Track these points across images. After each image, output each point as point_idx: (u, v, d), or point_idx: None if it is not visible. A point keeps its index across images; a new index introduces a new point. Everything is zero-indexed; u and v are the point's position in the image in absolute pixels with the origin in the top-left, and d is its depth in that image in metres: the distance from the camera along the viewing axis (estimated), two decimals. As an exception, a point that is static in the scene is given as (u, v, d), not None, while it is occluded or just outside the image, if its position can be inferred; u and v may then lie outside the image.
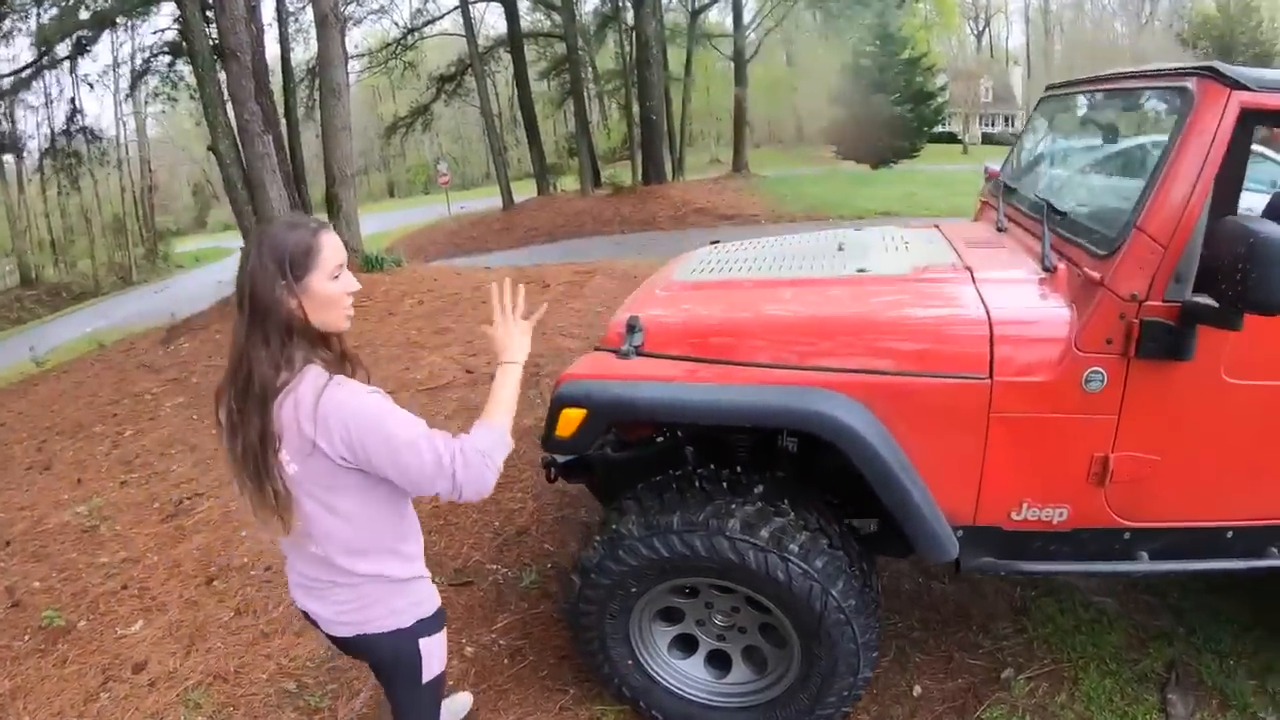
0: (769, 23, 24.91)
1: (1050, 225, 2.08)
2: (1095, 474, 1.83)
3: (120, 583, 3.36)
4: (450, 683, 2.49)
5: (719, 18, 26.54)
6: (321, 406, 1.35)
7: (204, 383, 6.28)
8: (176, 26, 12.90)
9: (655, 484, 2.09)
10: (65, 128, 17.43)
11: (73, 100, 17.03)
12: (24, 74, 15.23)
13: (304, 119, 14.38)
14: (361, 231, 10.60)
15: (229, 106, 8.10)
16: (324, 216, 10.08)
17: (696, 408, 1.84)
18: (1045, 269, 1.97)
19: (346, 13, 11.65)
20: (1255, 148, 3.38)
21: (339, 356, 1.49)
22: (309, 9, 14.23)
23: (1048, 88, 2.89)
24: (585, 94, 23.34)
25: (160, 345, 7.94)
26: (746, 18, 24.35)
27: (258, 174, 7.84)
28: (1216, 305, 1.61)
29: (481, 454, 1.42)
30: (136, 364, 7.46)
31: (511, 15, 21.29)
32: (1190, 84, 1.75)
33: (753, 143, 28.96)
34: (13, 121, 17.92)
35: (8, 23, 13.74)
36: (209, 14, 8.73)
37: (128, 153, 30.04)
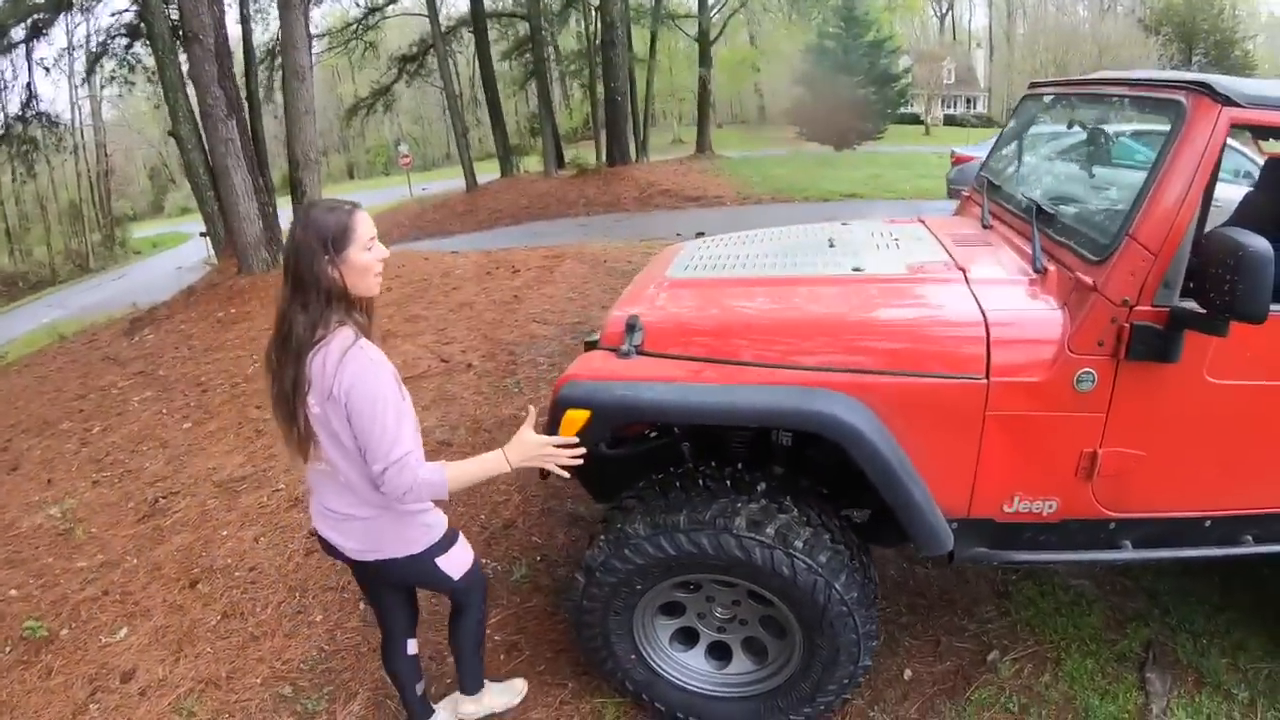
0: (734, 3, 24.82)
1: (1040, 227, 2.13)
2: (1084, 468, 1.91)
3: (101, 588, 3.30)
4: (450, 681, 2.51)
5: None
6: (343, 364, 1.62)
7: (172, 375, 6.13)
8: (135, 8, 12.43)
9: (659, 482, 2.12)
10: (21, 113, 16.69)
11: (28, 85, 16.31)
12: (-22, 58, 14.60)
13: (264, 101, 13.98)
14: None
15: (190, 90, 7.85)
16: (287, 201, 9.90)
17: (703, 409, 1.86)
18: (1036, 270, 2.03)
19: (306, -7, 11.31)
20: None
21: (368, 317, 1.76)
22: (268, -9, 13.86)
23: (1031, 85, 2.94)
24: (548, 74, 23.07)
25: (124, 336, 7.71)
26: None
27: (221, 159, 7.62)
28: (1204, 311, 1.68)
29: (417, 485, 1.67)
30: (100, 357, 7.25)
31: (474, -7, 20.95)
32: (1183, 98, 1.81)
33: (715, 123, 28.84)
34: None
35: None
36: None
37: (83, 137, 28.93)
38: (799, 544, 1.87)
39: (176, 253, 22.68)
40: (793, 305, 2.10)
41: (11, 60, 15.05)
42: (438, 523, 1.93)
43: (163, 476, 4.36)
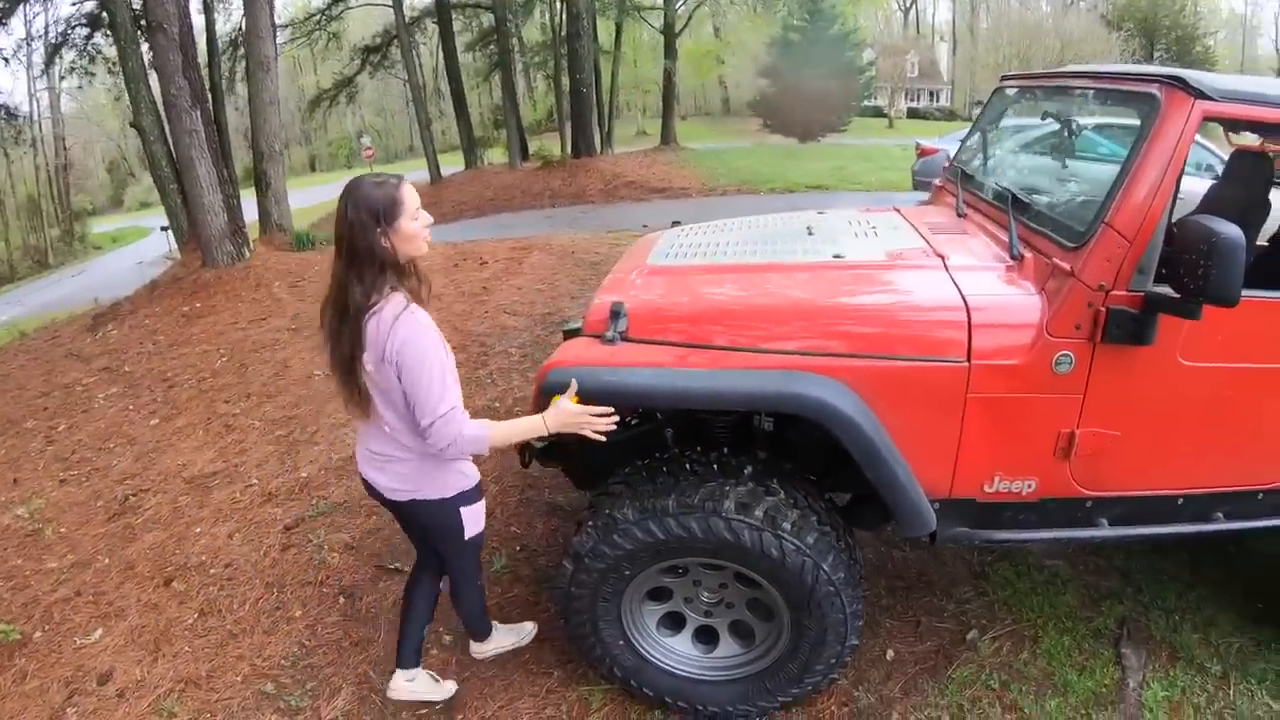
0: None
1: (1015, 216, 2.18)
2: (1061, 448, 1.96)
3: (73, 589, 3.23)
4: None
5: None
6: (395, 327, 1.76)
7: (137, 371, 5.99)
8: None
9: (646, 467, 2.13)
10: (-22, 106, 16.11)
11: (-13, 77, 15.71)
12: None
13: (225, 93, 13.66)
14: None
15: (153, 80, 7.64)
16: (250, 194, 9.73)
17: (690, 393, 1.88)
18: (1013, 257, 2.07)
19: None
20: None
21: (418, 279, 1.90)
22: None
23: (1004, 77, 2.98)
24: (513, 66, 22.88)
25: (87, 333, 7.51)
26: None
27: (185, 150, 7.44)
28: (1177, 296, 1.74)
29: (460, 439, 1.82)
30: (64, 353, 7.05)
31: (441, -15, 20.68)
32: (1157, 91, 1.87)
33: (679, 115, 28.82)
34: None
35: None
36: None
37: (41, 130, 28.05)
38: (787, 525, 1.90)
39: (137, 248, 22.12)
40: (776, 291, 2.12)
41: (-31, 52, 14.49)
42: (472, 473, 2.07)
43: (132, 474, 4.27)
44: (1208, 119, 1.82)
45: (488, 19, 22.48)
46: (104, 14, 10.93)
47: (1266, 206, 2.63)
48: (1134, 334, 1.82)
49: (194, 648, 2.79)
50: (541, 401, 1.96)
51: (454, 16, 21.98)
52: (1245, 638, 2.55)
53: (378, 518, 3.47)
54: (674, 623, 2.31)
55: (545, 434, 1.86)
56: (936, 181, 3.25)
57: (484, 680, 2.52)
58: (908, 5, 57.92)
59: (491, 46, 23.06)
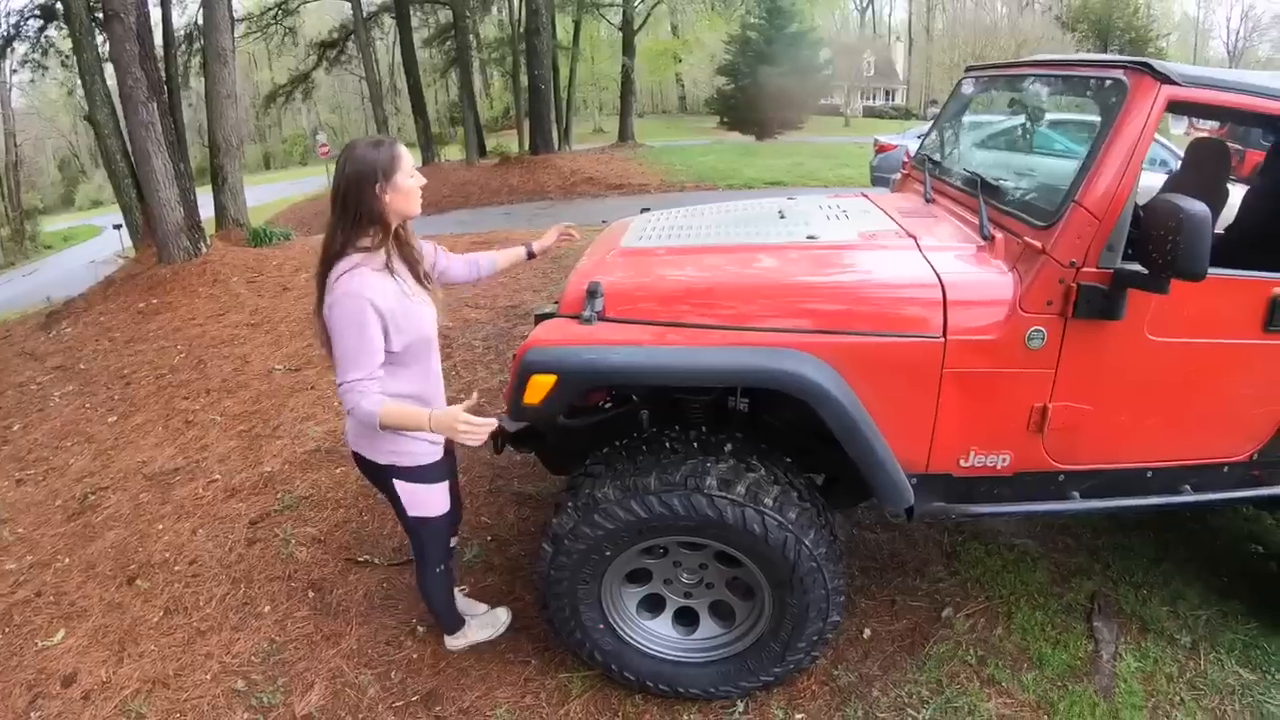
0: None
1: (985, 198, 2.22)
2: (1035, 422, 2.00)
3: (33, 590, 3.12)
4: (410, 659, 2.48)
5: None
6: (338, 282, 1.84)
7: (93, 368, 5.82)
8: None
9: (625, 447, 2.12)
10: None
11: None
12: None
13: (181, 87, 13.31)
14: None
15: (108, 73, 7.41)
16: (207, 190, 9.49)
17: (672, 369, 1.88)
18: (984, 238, 2.10)
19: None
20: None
21: (403, 241, 1.98)
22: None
23: (968, 68, 3.03)
24: (470, 63, 22.68)
25: (40, 331, 7.26)
26: None
27: (141, 144, 7.22)
28: (1146, 272, 1.79)
29: (357, 410, 1.84)
30: (16, 352, 6.80)
31: (400, -21, 20.43)
32: (1124, 76, 1.92)
33: (636, 113, 28.83)
34: None
35: None
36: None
37: (-9, 125, 27.05)
38: (769, 501, 1.91)
39: (89, 246, 21.48)
40: (753, 270, 2.13)
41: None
42: (407, 450, 2.06)
43: (90, 472, 4.14)
44: (1172, 103, 1.88)
45: (446, 15, 22.26)
46: (58, 5, 10.58)
47: (1224, 194, 2.72)
48: (1104, 309, 1.87)
49: (160, 646, 2.70)
50: (521, 381, 1.94)
51: (412, 12, 21.72)
52: (1212, 609, 2.63)
53: (345, 510, 3.42)
54: (653, 605, 2.30)
55: (426, 429, 1.84)
56: (902, 170, 3.30)
57: (460, 670, 2.49)
58: (864, 5, 58.77)
59: (449, 42, 22.82)
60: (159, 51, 8.57)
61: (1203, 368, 2.05)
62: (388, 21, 23.65)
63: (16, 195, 29.15)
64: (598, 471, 2.07)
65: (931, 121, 3.35)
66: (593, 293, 2.02)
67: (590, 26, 26.34)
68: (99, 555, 3.31)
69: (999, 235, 2.08)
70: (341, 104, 48.29)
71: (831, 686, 2.34)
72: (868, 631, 2.55)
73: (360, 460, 2.14)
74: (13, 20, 12.88)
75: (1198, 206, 1.67)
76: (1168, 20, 45.85)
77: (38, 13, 12.35)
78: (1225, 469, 2.20)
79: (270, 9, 21.83)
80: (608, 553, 2.04)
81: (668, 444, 2.07)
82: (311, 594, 2.90)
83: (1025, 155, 2.59)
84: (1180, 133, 9.81)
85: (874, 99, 49.52)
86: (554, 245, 2.67)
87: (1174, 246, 1.68)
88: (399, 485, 2.11)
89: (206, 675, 2.55)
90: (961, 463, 2.05)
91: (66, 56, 11.90)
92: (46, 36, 12.71)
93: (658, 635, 2.27)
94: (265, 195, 22.72)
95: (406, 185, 1.89)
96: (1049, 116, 2.78)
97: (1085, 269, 1.87)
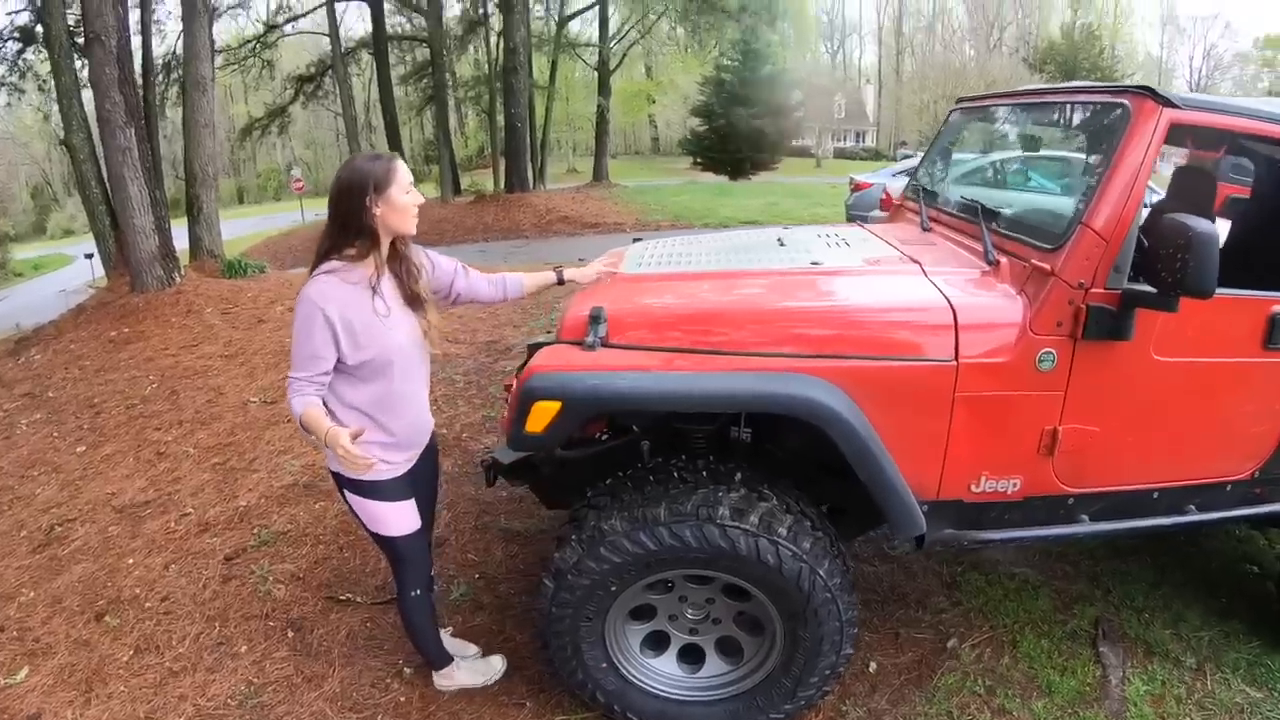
0: (633, 34, 25.02)
1: (987, 224, 2.22)
2: (1045, 445, 1.99)
3: (-6, 625, 2.94)
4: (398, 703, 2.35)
5: (580, 27, 26.56)
6: (305, 284, 1.87)
7: (61, 397, 5.62)
8: (31, 9, 11.46)
9: (631, 478, 2.06)
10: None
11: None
12: None
13: (158, 116, 13.19)
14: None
15: (86, 97, 7.31)
16: (181, 222, 9.35)
17: (681, 395, 1.83)
18: (989, 263, 2.10)
19: (212, 3, 10.78)
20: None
21: (398, 257, 2.00)
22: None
23: (958, 100, 3.08)
24: (447, 100, 22.80)
25: (9, 357, 7.01)
26: (613, 28, 24.52)
27: (117, 169, 7.08)
28: (1154, 291, 1.80)
29: (290, 406, 1.89)
30: (-18, 379, 6.58)
31: (377, 17, 20.46)
32: (1127, 101, 1.96)
33: (609, 153, 29.14)
34: None
35: None
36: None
37: (-38, 152, 26.51)
38: (782, 531, 1.85)
39: (59, 275, 21.05)
40: (760, 295, 2.10)
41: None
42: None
43: (57, 503, 3.97)
44: (1174, 125, 1.90)
45: (423, 52, 22.37)
46: (38, 28, 10.43)
47: (1213, 219, 2.77)
48: (1113, 330, 1.87)
49: (130, 687, 2.55)
50: (523, 407, 1.88)
51: (390, 48, 21.82)
52: (1214, 630, 2.63)
53: (325, 546, 3.29)
54: (657, 642, 2.22)
55: (323, 443, 1.83)
56: (895, 201, 3.32)
57: (451, 714, 2.37)
58: (835, 48, 60.44)
59: (426, 80, 22.93)
60: (138, 78, 8.48)
61: (1206, 387, 2.06)
62: (365, 57, 23.72)
63: (-12, 221, 28.54)
64: (602, 503, 2.01)
65: (902, 159, 3.40)
66: (596, 318, 1.96)
67: (566, 66, 26.63)
68: (66, 589, 3.15)
69: (1003, 259, 2.08)
70: (316, 140, 48.29)
71: (841, 723, 2.27)
72: (873, 665, 2.48)
73: (331, 473, 2.12)
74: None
75: (1205, 225, 1.70)
76: (1132, 60, 47.53)
77: (16, 35, 12.17)
78: (1228, 488, 2.21)
79: (249, 41, 21.81)
80: (613, 588, 1.96)
81: (676, 473, 2.01)
82: (291, 634, 2.77)
83: (1024, 180, 2.62)
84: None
85: (844, 140, 50.59)
86: (594, 280, 2.38)
87: (1183, 265, 1.70)
88: (350, 498, 2.08)
89: (180, 718, 2.41)
90: (972, 488, 2.02)
91: (44, 80, 11.69)
92: (24, 60, 12.52)
93: (662, 674, 2.18)
94: (238, 229, 22.44)
95: (400, 201, 1.88)
96: (1053, 134, 2.81)
97: (1094, 290, 1.88)
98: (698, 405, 1.85)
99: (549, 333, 3.77)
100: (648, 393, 1.84)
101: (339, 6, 21.32)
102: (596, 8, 23.59)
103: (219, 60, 21.06)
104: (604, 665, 2.11)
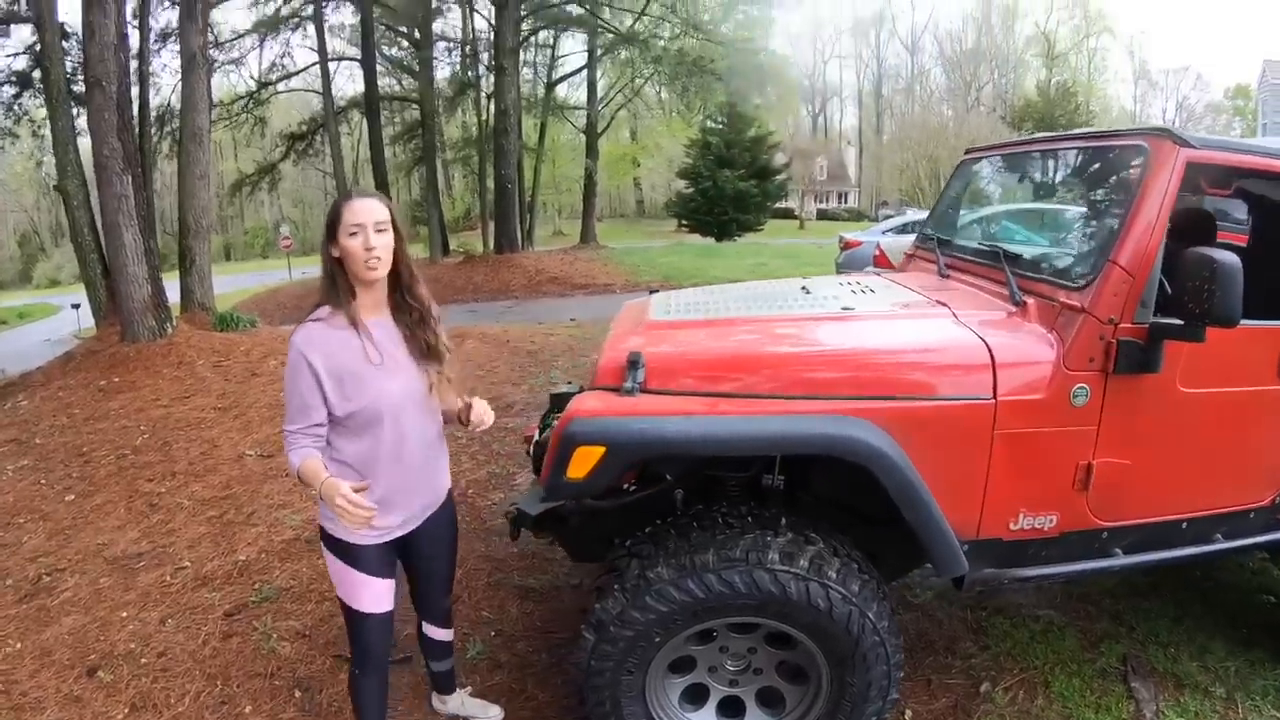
0: (620, 98, 25.53)
1: (1010, 267, 2.27)
2: (1080, 480, 2.02)
3: (-21, 677, 2.80)
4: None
5: (568, 91, 27.18)
6: (292, 336, 1.83)
7: (49, 444, 5.49)
8: (30, 54, 11.51)
9: (674, 525, 2.02)
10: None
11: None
12: None
13: (152, 167, 13.22)
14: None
15: (82, 144, 7.33)
16: (173, 275, 9.29)
17: (727, 440, 1.82)
18: (1015, 303, 2.15)
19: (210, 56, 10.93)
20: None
21: (401, 305, 1.94)
22: (164, 51, 13.28)
23: (967, 151, 3.17)
24: (437, 161, 23.04)
25: (-5, 403, 6.88)
26: (600, 92, 25.03)
27: (112, 216, 7.06)
28: (1181, 323, 1.86)
29: (287, 457, 1.84)
30: (-33, 424, 6.40)
31: (369, 77, 20.84)
32: (1145, 142, 2.04)
33: (595, 216, 29.45)
34: None
35: None
36: (67, 41, 7.94)
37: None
38: (832, 574, 1.83)
39: (45, 325, 20.69)
40: (798, 339, 2.13)
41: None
42: (334, 517, 1.79)
43: (45, 552, 3.84)
44: (1190, 164, 1.99)
45: (413, 113, 22.68)
46: (35, 73, 10.47)
47: None
48: (1142, 363, 1.93)
49: (127, 748, 2.43)
50: (564, 453, 1.84)
51: (381, 108, 22.11)
52: (1239, 660, 2.66)
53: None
54: (696, 695, 2.15)
55: (315, 491, 1.77)
56: (907, 251, 3.37)
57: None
58: (816, 111, 62.26)
59: (415, 140, 23.20)
60: (135, 130, 8.52)
61: (1229, 416, 2.12)
62: (356, 116, 24.01)
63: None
64: (645, 551, 1.96)
65: (883, 219, 3.47)
66: (634, 363, 1.94)
67: (554, 129, 27.03)
68: (55, 642, 3.02)
69: (1029, 300, 2.12)
70: (304, 198, 48.48)
71: (881, 773, 2.21)
72: (909, 713, 2.44)
73: None
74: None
75: (1229, 256, 1.77)
76: (1106, 115, 49.15)
77: (13, 79, 12.20)
78: (1251, 514, 2.25)
79: (242, 97, 22.07)
80: (657, 639, 1.91)
81: (721, 519, 1.98)
82: (299, 693, 2.66)
83: (1038, 225, 2.69)
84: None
85: (827, 201, 51.46)
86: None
87: (1209, 295, 1.76)
88: (328, 556, 1.97)
89: (184, 783, 2.29)
90: (1011, 525, 2.02)
91: (39, 125, 11.68)
92: (20, 105, 12.50)
93: None
94: (226, 285, 22.26)
95: (345, 244, 1.78)
96: (1050, 195, 2.90)
97: (1123, 325, 1.93)
98: (745, 449, 1.85)
99: (570, 383, 3.76)
100: (694, 437, 1.82)
101: (331, 65, 21.72)
102: (585, 71, 24.20)
103: (215, 114, 21.31)
104: None
